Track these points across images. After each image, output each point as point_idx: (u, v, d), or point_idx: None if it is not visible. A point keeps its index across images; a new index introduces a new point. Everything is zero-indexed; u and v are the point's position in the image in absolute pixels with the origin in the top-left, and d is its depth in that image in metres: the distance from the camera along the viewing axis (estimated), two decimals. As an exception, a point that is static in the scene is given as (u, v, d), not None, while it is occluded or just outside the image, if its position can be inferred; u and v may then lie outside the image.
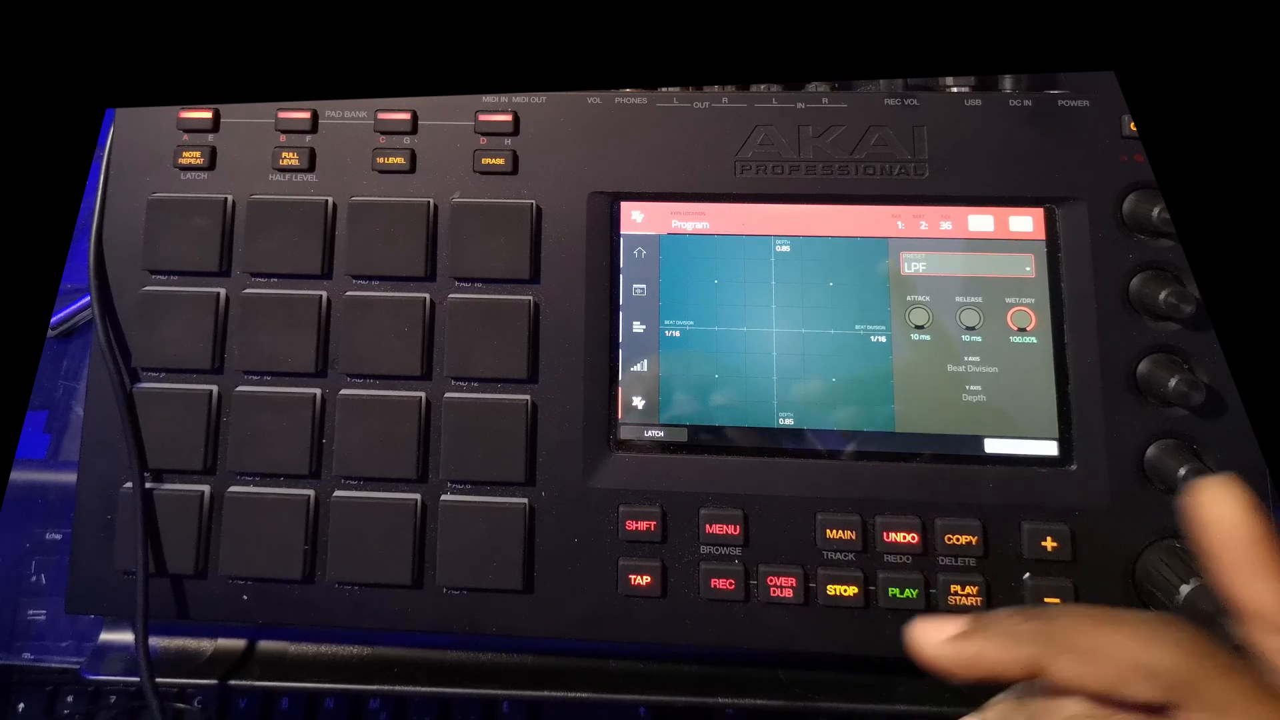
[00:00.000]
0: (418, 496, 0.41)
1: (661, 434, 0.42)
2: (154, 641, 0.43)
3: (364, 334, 0.42)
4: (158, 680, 0.40)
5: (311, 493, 0.41)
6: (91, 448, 0.43)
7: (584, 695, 0.40)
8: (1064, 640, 0.24)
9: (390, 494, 0.41)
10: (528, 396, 0.41)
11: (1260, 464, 0.39)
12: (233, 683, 0.41)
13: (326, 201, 0.44)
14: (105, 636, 0.44)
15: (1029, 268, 0.42)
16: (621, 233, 0.43)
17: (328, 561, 0.41)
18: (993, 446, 0.41)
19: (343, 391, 0.42)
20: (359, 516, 0.41)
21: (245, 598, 0.41)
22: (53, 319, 0.53)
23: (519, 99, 0.44)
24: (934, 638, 0.26)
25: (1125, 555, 0.39)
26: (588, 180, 0.43)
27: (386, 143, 0.44)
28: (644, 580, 0.40)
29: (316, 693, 0.45)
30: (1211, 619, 0.35)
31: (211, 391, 0.42)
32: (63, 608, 0.42)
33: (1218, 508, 0.25)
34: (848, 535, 0.39)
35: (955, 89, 0.45)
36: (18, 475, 0.48)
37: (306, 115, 0.45)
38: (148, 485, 0.42)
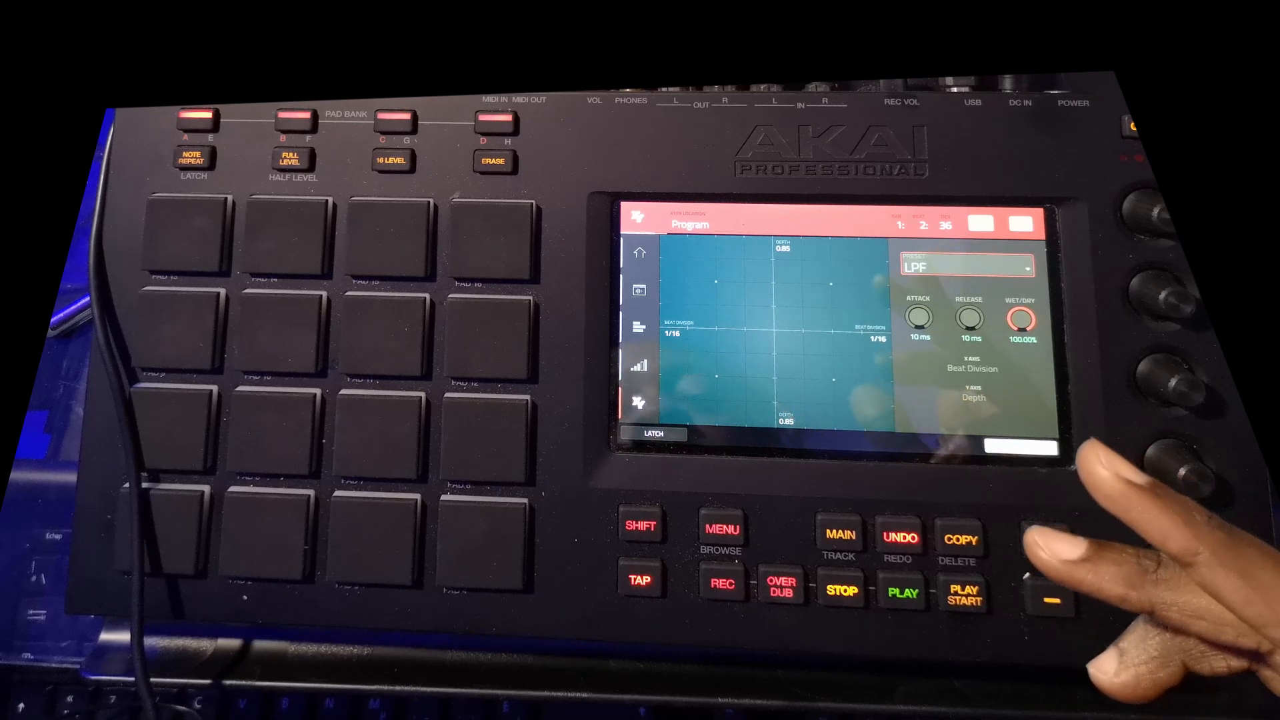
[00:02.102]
0: (418, 496, 0.41)
1: (661, 434, 0.42)
2: (154, 642, 0.43)
3: (364, 334, 0.42)
4: (158, 680, 0.40)
5: (311, 493, 0.41)
6: (91, 448, 0.43)
7: (584, 695, 0.40)
8: (1168, 594, 0.27)
9: (390, 494, 0.41)
10: (528, 396, 0.41)
11: (1260, 464, 0.39)
12: (233, 683, 0.41)
13: (326, 201, 0.44)
14: (105, 636, 0.44)
15: (1029, 268, 0.42)
16: (621, 233, 0.43)
17: (327, 561, 0.41)
18: (993, 446, 0.41)
19: (343, 391, 0.42)
20: (359, 516, 0.41)
21: (245, 598, 0.41)
22: (53, 319, 0.53)
23: (519, 99, 0.44)
24: (1053, 553, 0.28)
25: (1125, 555, 0.39)
26: (588, 180, 0.43)
27: (386, 143, 0.44)
28: (644, 580, 0.40)
29: (316, 693, 0.45)
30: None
31: (211, 391, 0.42)
32: (63, 608, 0.42)
33: (1092, 472, 0.28)
34: (848, 535, 0.39)
35: (955, 89, 0.45)
36: (18, 475, 0.48)
37: (306, 115, 0.45)
38: (147, 485, 0.42)
